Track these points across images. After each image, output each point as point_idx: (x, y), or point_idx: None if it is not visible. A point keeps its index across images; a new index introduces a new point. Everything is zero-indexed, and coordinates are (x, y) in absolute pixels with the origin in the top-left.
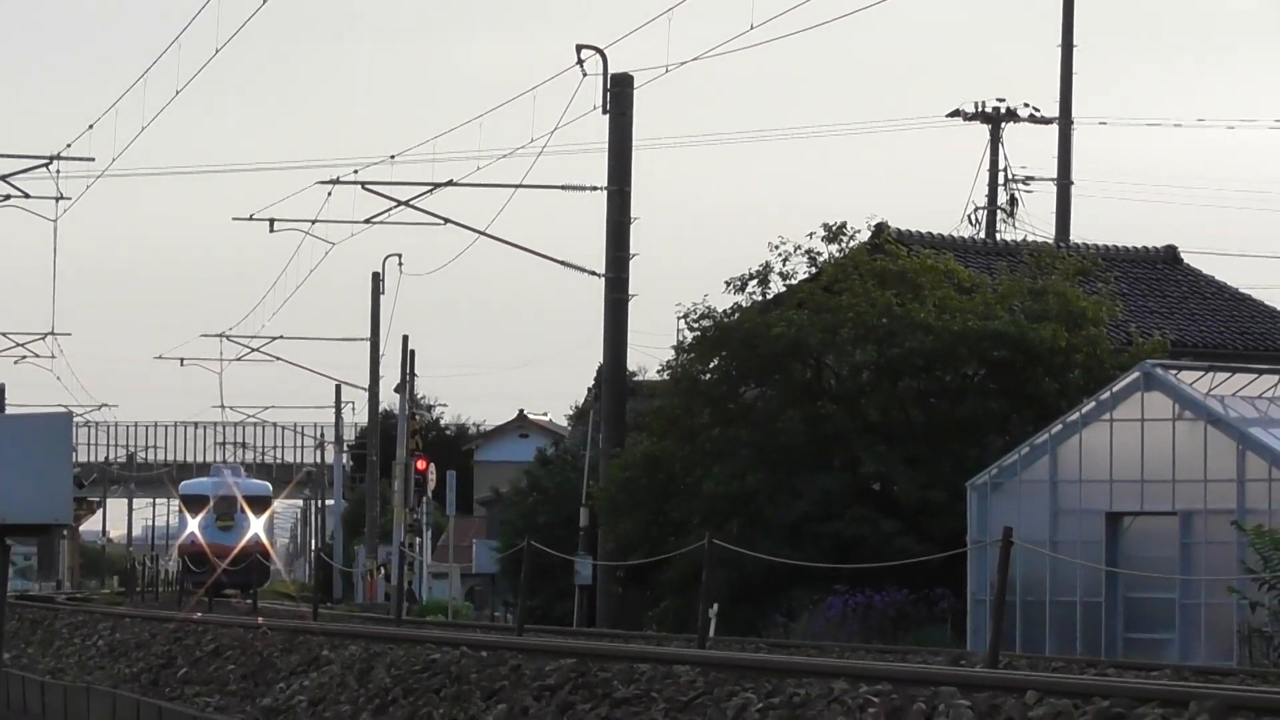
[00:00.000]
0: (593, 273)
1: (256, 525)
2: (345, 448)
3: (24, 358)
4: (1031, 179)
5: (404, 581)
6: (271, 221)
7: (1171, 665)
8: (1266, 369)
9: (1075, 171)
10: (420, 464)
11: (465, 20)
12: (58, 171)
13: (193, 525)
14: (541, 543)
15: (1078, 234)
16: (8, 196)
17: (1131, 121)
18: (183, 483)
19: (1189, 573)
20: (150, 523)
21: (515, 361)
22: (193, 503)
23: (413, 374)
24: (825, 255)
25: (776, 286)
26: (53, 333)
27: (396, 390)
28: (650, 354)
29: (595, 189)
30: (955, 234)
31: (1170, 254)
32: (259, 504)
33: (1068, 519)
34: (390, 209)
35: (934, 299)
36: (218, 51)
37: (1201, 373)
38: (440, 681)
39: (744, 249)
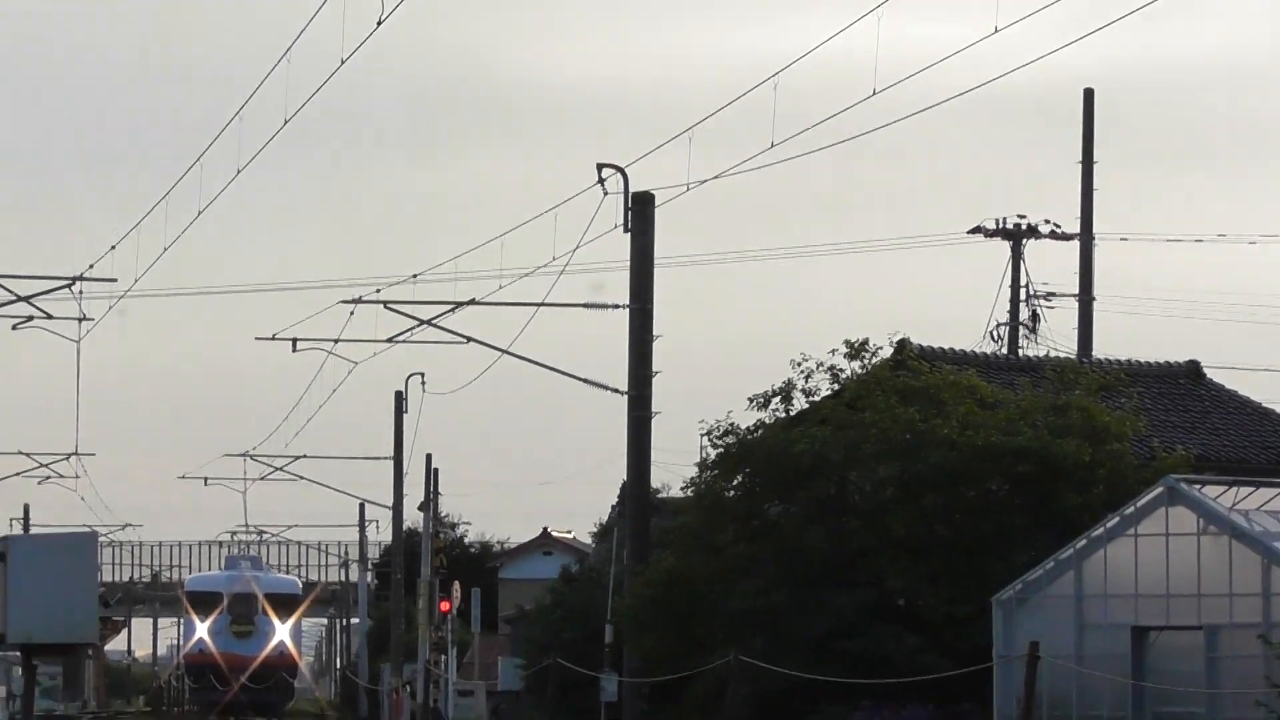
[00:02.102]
0: (616, 390)
1: (282, 632)
2: (370, 566)
3: (48, 478)
4: (1053, 295)
5: (430, 699)
6: (294, 341)
7: None
8: None
9: (1097, 287)
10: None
11: (486, 139)
12: (80, 292)
13: (201, 630)
14: (566, 660)
15: (1100, 349)
16: (30, 318)
17: (1152, 237)
18: (190, 578)
19: (1215, 687)
20: (176, 642)
21: (539, 479)
22: (201, 601)
23: (436, 492)
24: (848, 372)
25: (799, 403)
26: (76, 453)
27: (420, 508)
28: (674, 471)
29: (617, 307)
30: (977, 350)
31: (1193, 369)
32: (285, 605)
33: (1093, 634)
34: (413, 328)
35: (957, 415)
36: (239, 172)
37: (1225, 487)
38: None
39: (766, 366)
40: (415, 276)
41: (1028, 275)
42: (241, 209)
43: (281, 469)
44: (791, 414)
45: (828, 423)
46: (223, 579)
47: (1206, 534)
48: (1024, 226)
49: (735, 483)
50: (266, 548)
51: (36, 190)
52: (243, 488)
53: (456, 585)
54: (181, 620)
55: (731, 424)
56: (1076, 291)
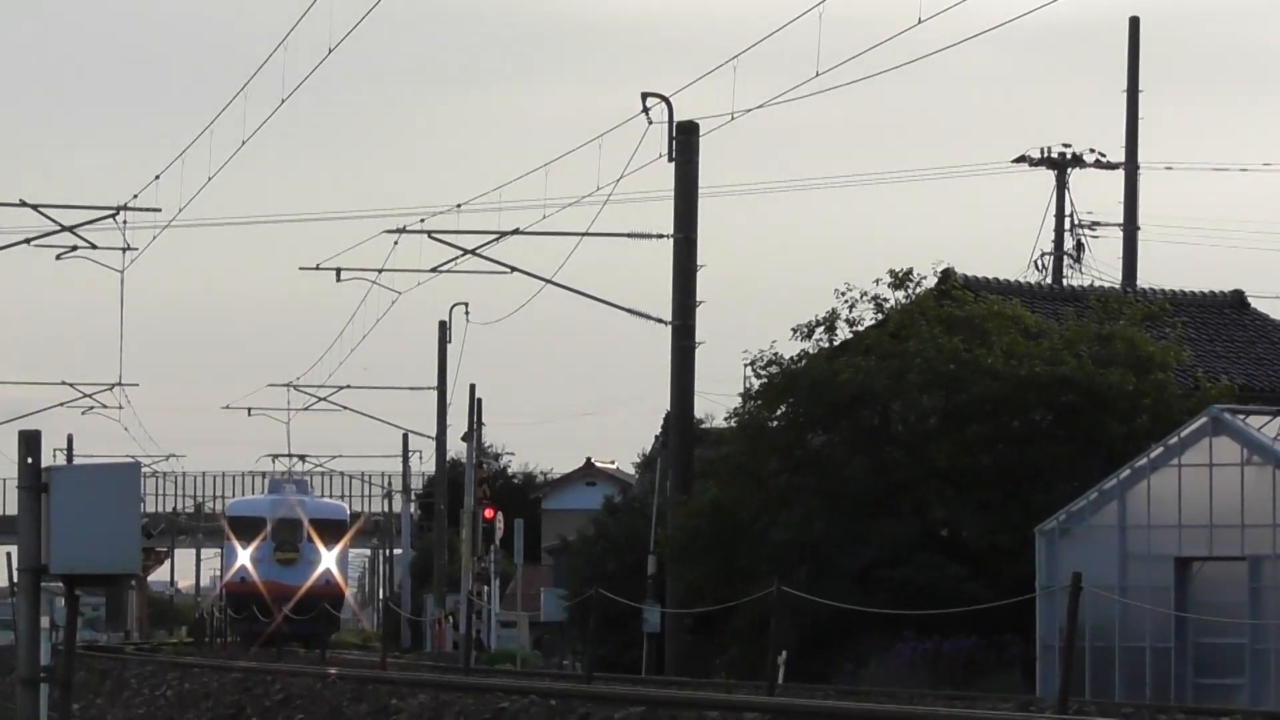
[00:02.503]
0: (660, 320)
1: (328, 559)
2: (413, 497)
3: (92, 408)
4: (1098, 224)
5: (472, 630)
6: (338, 271)
7: (1242, 711)
8: None
9: (1141, 216)
10: (488, 512)
11: (530, 69)
12: (124, 222)
13: (243, 557)
14: (609, 591)
15: (1144, 279)
16: (75, 247)
17: (1198, 166)
18: (231, 502)
19: (1259, 618)
20: (218, 573)
21: (582, 409)
22: (243, 527)
23: (480, 422)
24: (892, 301)
25: (843, 333)
26: (120, 383)
27: (464, 439)
28: (717, 401)
29: (661, 237)
30: (1022, 280)
31: (1237, 298)
32: (331, 531)
33: (1136, 564)
34: (457, 258)
35: (1001, 344)
36: (283, 101)
37: (1270, 417)
38: None
39: (810, 296)
40: (459, 206)
41: (1072, 204)
42: (286, 139)
43: (325, 399)
44: (835, 344)
45: (872, 352)
46: (266, 503)
47: (1250, 464)
48: (1069, 155)
49: (779, 413)
50: (310, 478)
51: (80, 120)
52: (286, 418)
53: (499, 515)
54: (222, 547)
55: (775, 354)
56: (1121, 221)
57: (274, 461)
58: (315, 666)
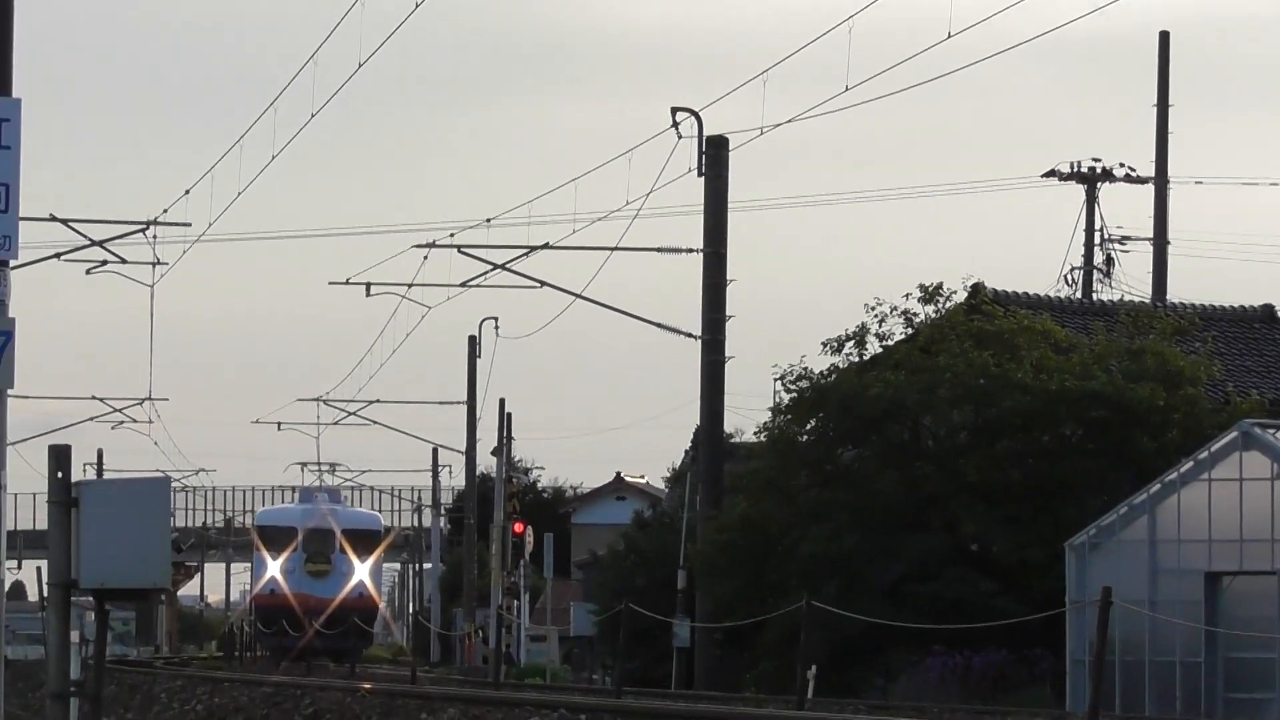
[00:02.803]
0: (689, 335)
1: (361, 571)
2: (443, 511)
3: (122, 423)
4: (1128, 239)
5: (502, 644)
6: (368, 285)
7: None
8: None
9: (1171, 231)
10: (518, 527)
11: (560, 83)
12: (154, 237)
13: (273, 569)
14: (639, 605)
15: (1174, 293)
16: (105, 262)
17: (1227, 180)
18: (261, 511)
19: None
20: (248, 586)
21: (612, 424)
22: (273, 537)
23: (510, 437)
24: (922, 316)
25: (873, 347)
26: (150, 398)
27: (494, 453)
28: (747, 416)
29: (691, 251)
30: (1052, 294)
31: (1267, 313)
32: (365, 542)
33: (1167, 579)
34: (486, 272)
35: (1031, 359)
36: (313, 116)
37: None
38: None
39: (840, 310)
40: (488, 221)
41: (1102, 219)
42: (315, 153)
43: (355, 414)
44: (865, 358)
45: (902, 367)
46: (297, 512)
47: None
48: (1099, 170)
49: (809, 427)
50: (340, 492)
51: (110, 135)
52: (316, 433)
53: (529, 530)
54: (252, 558)
55: (805, 368)
56: (1151, 235)
57: (303, 471)
58: (345, 681)
